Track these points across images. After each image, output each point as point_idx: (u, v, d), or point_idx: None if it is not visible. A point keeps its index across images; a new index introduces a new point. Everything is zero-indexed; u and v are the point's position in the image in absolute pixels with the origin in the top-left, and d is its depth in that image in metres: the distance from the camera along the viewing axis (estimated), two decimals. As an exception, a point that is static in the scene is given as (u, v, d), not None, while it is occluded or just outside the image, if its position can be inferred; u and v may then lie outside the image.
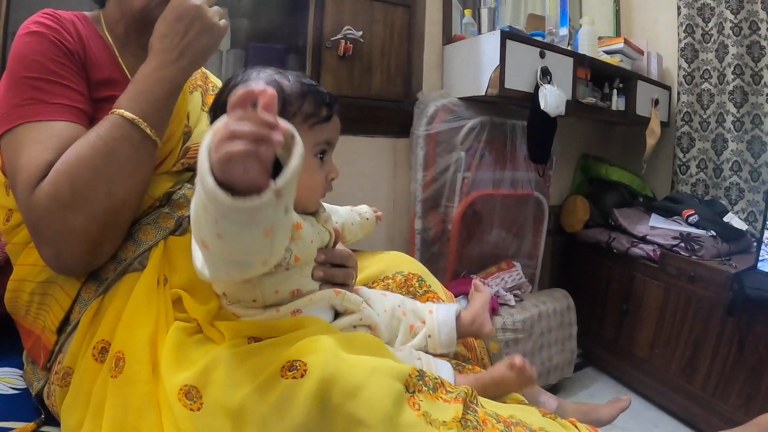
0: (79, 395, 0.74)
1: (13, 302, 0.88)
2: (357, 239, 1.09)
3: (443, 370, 0.83)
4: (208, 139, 0.52)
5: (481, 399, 0.72)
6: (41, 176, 0.74)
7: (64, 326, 0.82)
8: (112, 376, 0.70)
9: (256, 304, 0.75)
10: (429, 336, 0.91)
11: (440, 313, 0.94)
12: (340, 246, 0.88)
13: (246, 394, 0.61)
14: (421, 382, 0.65)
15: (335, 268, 0.84)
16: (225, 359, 0.65)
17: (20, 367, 0.94)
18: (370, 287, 1.03)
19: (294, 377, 0.59)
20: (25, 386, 0.90)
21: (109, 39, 0.94)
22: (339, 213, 1.05)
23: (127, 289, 0.79)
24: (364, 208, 1.12)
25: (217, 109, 0.78)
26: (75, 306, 0.82)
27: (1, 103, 0.80)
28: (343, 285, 0.84)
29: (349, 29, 1.80)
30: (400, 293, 1.03)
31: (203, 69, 1.15)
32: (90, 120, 0.84)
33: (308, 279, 0.80)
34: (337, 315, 0.83)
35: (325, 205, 1.00)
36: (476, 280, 1.02)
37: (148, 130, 0.79)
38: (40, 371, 0.85)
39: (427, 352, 0.90)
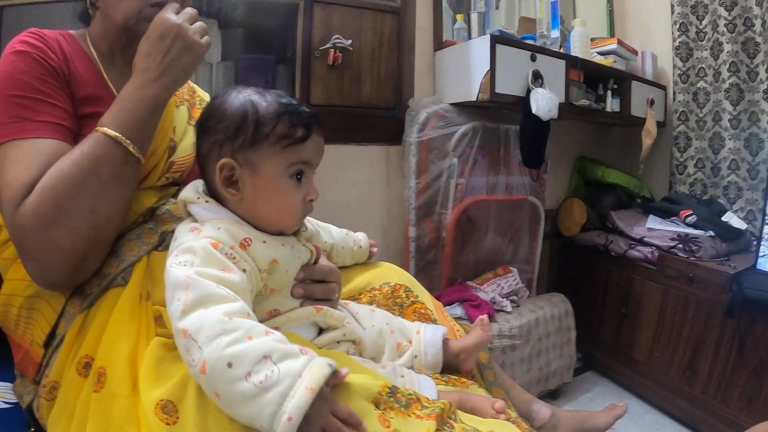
0: (64, 409, 0.75)
1: (4, 316, 0.89)
2: (345, 264, 1.08)
3: (426, 386, 0.82)
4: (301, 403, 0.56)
5: (460, 414, 0.72)
6: (26, 193, 0.75)
7: (51, 340, 0.83)
8: (94, 391, 0.71)
9: None
10: (415, 356, 0.91)
11: (427, 334, 0.93)
12: (322, 260, 0.88)
13: (216, 408, 0.61)
14: (392, 399, 0.66)
15: (315, 284, 0.84)
16: None
17: (12, 380, 0.94)
18: (356, 298, 1.03)
19: None
20: (17, 400, 0.90)
21: (95, 56, 0.95)
22: (331, 234, 1.05)
23: (110, 305, 0.79)
24: (360, 236, 1.12)
25: (201, 130, 0.79)
26: (60, 321, 0.82)
27: None
28: (325, 300, 0.84)
29: (338, 38, 1.80)
30: (387, 304, 1.03)
31: (190, 83, 1.16)
32: (75, 136, 0.85)
33: (287, 299, 0.80)
34: (321, 331, 0.84)
35: (318, 223, 1.00)
36: (485, 317, 1.00)
37: (131, 148, 0.81)
38: (30, 384, 0.86)
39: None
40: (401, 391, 0.67)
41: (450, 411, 0.68)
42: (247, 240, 0.73)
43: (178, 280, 0.64)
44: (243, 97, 0.76)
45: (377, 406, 0.64)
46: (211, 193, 0.80)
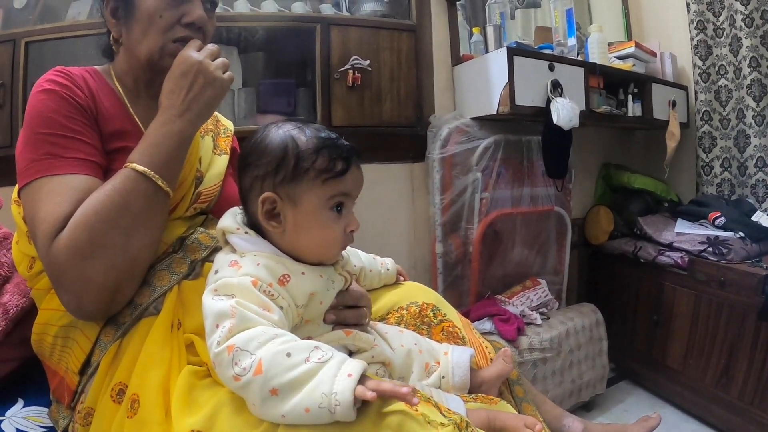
0: None
1: (39, 344, 0.92)
2: (373, 287, 1.09)
3: (454, 405, 0.82)
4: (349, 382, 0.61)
5: None
6: (60, 228, 0.78)
7: (86, 368, 0.85)
8: (128, 417, 0.73)
9: None
10: (443, 377, 0.91)
11: (455, 355, 0.93)
12: (354, 285, 0.89)
13: None
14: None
15: (347, 310, 0.85)
16: (229, 403, 0.67)
17: (48, 405, 0.97)
18: (384, 318, 1.04)
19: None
20: (52, 425, 0.93)
21: (120, 91, 0.98)
22: (359, 257, 1.06)
23: (143, 333, 0.81)
24: (388, 260, 1.14)
25: (242, 165, 0.81)
26: (95, 349, 0.84)
27: (19, 157, 0.85)
28: (356, 325, 0.85)
29: (356, 59, 1.82)
30: (415, 324, 1.03)
31: (215, 112, 1.19)
32: (105, 171, 0.88)
33: (319, 326, 0.81)
34: (350, 354, 0.84)
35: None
36: (508, 350, 1.01)
37: (160, 182, 0.83)
38: (65, 410, 0.88)
39: None
40: (419, 393, 0.69)
41: (466, 428, 0.68)
42: (286, 276, 0.74)
43: (223, 310, 0.66)
44: (283, 132, 0.78)
45: None
46: (251, 223, 0.81)
